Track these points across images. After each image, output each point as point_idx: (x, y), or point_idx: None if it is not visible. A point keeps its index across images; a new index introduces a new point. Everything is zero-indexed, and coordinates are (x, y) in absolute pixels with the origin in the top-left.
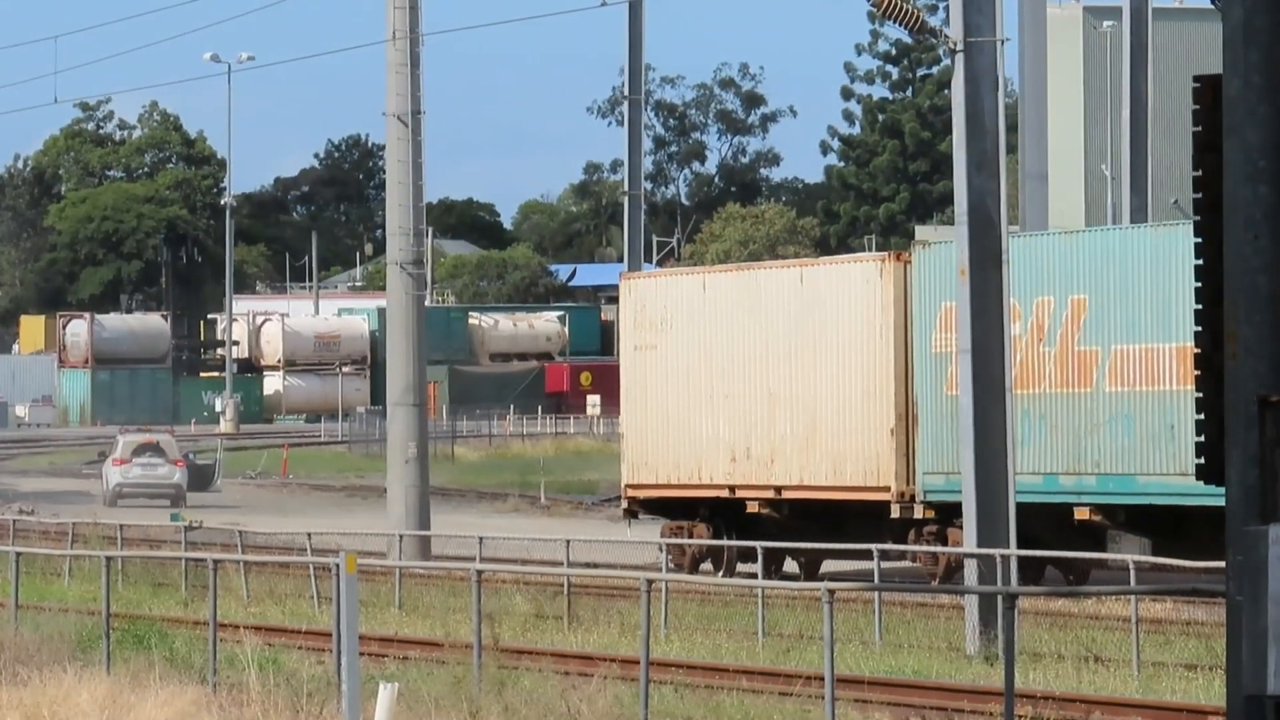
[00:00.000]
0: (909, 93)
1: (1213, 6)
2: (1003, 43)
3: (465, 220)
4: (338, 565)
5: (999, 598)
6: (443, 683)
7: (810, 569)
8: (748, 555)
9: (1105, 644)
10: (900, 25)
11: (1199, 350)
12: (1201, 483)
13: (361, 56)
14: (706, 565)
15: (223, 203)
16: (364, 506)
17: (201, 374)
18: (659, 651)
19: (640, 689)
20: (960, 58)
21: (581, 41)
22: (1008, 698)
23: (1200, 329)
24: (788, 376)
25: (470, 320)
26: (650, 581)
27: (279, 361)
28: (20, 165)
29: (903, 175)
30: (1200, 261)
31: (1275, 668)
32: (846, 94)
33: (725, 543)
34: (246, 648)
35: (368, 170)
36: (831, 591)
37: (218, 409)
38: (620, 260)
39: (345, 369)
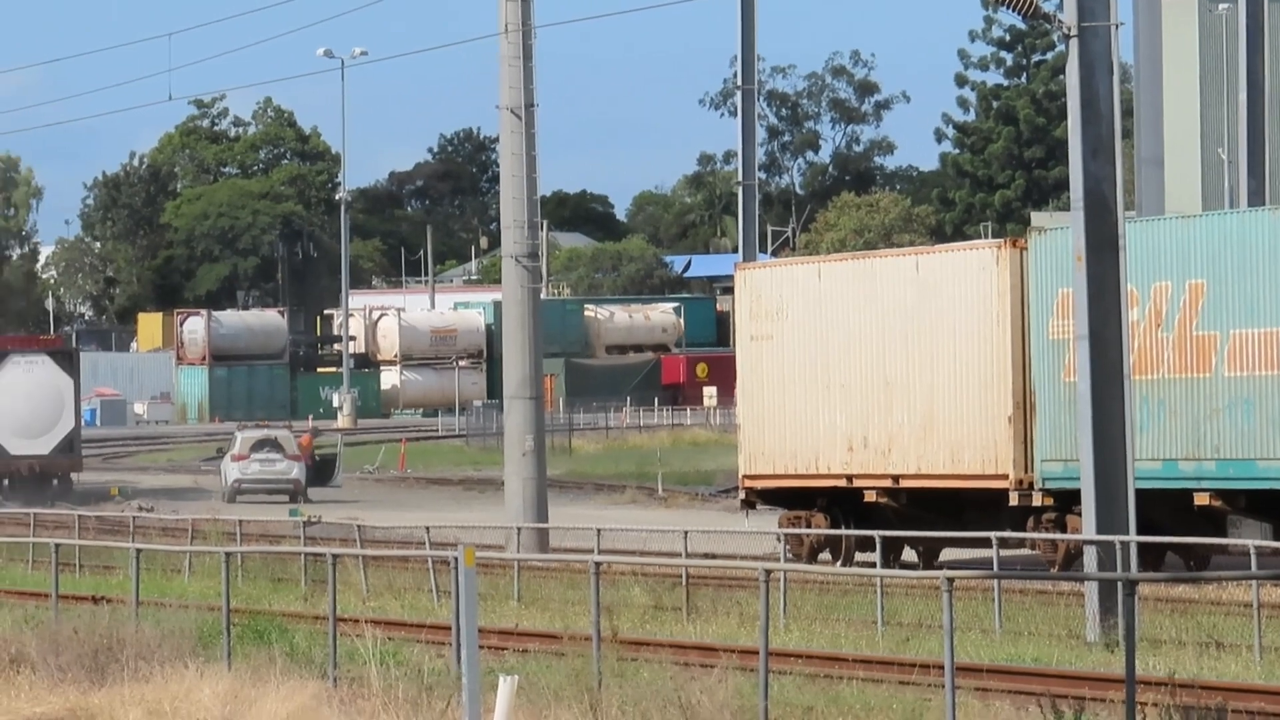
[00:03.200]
0: (1023, 79)
1: None
2: (1117, 27)
3: (580, 212)
4: (456, 559)
5: (1119, 584)
6: (562, 675)
7: (929, 557)
8: (866, 544)
9: (1226, 630)
10: (1014, 11)
11: None
12: None
13: (474, 50)
14: (825, 555)
15: (337, 198)
16: (481, 500)
17: (318, 369)
18: (778, 642)
19: (760, 679)
20: (1075, 43)
21: (693, 33)
22: (1129, 684)
23: None
24: (904, 365)
25: (586, 312)
26: (769, 571)
27: (395, 356)
28: (136, 163)
29: (1018, 162)
30: None
31: None
32: (960, 81)
33: (843, 532)
34: (367, 642)
35: (481, 164)
36: (950, 580)
37: (335, 404)
38: (735, 251)
39: (461, 363)
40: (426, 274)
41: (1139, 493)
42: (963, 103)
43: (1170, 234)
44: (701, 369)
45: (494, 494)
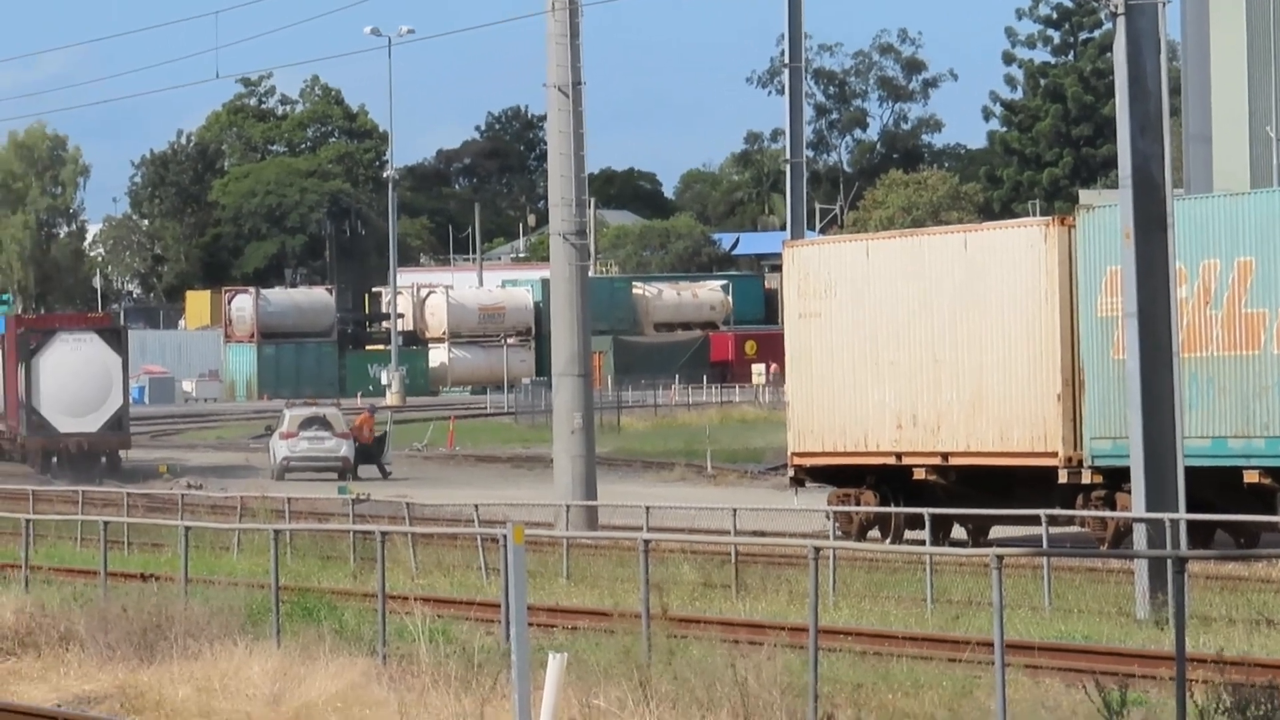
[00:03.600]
0: (1071, 57)
1: None
2: (1165, 4)
3: (627, 190)
4: (505, 536)
5: (1168, 562)
6: (611, 652)
7: (978, 535)
8: (915, 522)
9: (1276, 607)
10: None
11: None
12: None
13: (522, 28)
14: (874, 532)
15: (385, 176)
16: (530, 477)
17: (367, 347)
18: (827, 619)
19: (809, 656)
20: (1122, 20)
21: (740, 11)
22: (1179, 662)
23: None
24: (952, 342)
25: (634, 290)
26: (818, 549)
27: (444, 334)
28: (184, 141)
29: (1066, 139)
30: None
31: None
32: (1008, 59)
33: (892, 509)
34: (416, 619)
35: (529, 141)
36: (1000, 557)
37: (383, 382)
38: (783, 228)
39: (510, 340)
40: (474, 252)
41: (1188, 470)
42: (1010, 80)
43: (1218, 211)
44: (750, 346)
45: (543, 471)
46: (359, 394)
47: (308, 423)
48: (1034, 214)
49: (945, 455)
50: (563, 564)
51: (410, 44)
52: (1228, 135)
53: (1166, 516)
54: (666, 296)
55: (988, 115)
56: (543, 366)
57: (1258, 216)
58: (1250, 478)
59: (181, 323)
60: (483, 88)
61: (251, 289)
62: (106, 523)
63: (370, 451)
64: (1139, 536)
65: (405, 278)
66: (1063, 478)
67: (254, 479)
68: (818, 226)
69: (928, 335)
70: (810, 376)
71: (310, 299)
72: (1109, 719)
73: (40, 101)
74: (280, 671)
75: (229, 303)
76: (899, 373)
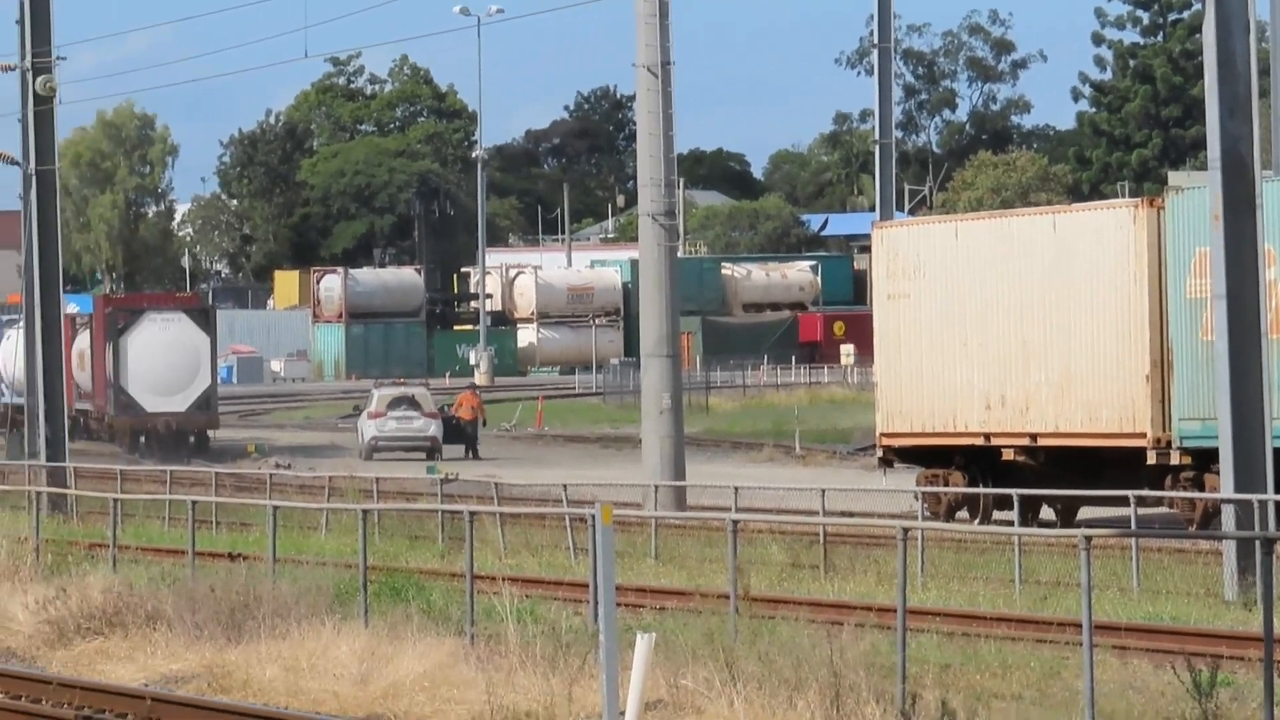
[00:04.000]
0: (1160, 38)
1: None
2: None
3: (716, 171)
4: (593, 516)
5: (1257, 543)
6: (699, 633)
7: (1066, 516)
8: (1003, 503)
9: None
10: None
11: None
12: None
13: (611, 7)
14: (962, 513)
15: (474, 156)
16: (619, 458)
17: (455, 327)
18: (915, 600)
19: (897, 637)
20: (1211, 1)
21: None
22: (1267, 643)
23: None
24: (1041, 323)
25: (723, 271)
26: (906, 530)
27: (532, 314)
28: (272, 121)
29: (1155, 121)
30: None
31: None
32: (1097, 39)
33: (981, 490)
34: (504, 599)
35: (618, 122)
36: (1088, 538)
37: (472, 362)
38: (872, 209)
39: (598, 321)
40: (563, 232)
41: (1277, 451)
42: (1099, 61)
43: None
44: (839, 327)
45: (631, 451)
46: (447, 374)
47: (396, 402)
48: (1123, 195)
49: (1034, 436)
50: (651, 544)
51: (500, 23)
52: None
53: (1255, 497)
54: (755, 277)
55: (1077, 96)
56: (631, 347)
57: None
58: None
59: (270, 302)
60: (572, 67)
61: (340, 269)
62: (194, 502)
63: (466, 431)
64: (1227, 517)
65: (494, 258)
66: (1151, 459)
67: (342, 459)
68: (906, 207)
69: (1016, 316)
70: (899, 357)
71: (399, 279)
72: (1198, 700)
73: (128, 81)
74: (368, 651)
75: (317, 283)
76: (987, 353)
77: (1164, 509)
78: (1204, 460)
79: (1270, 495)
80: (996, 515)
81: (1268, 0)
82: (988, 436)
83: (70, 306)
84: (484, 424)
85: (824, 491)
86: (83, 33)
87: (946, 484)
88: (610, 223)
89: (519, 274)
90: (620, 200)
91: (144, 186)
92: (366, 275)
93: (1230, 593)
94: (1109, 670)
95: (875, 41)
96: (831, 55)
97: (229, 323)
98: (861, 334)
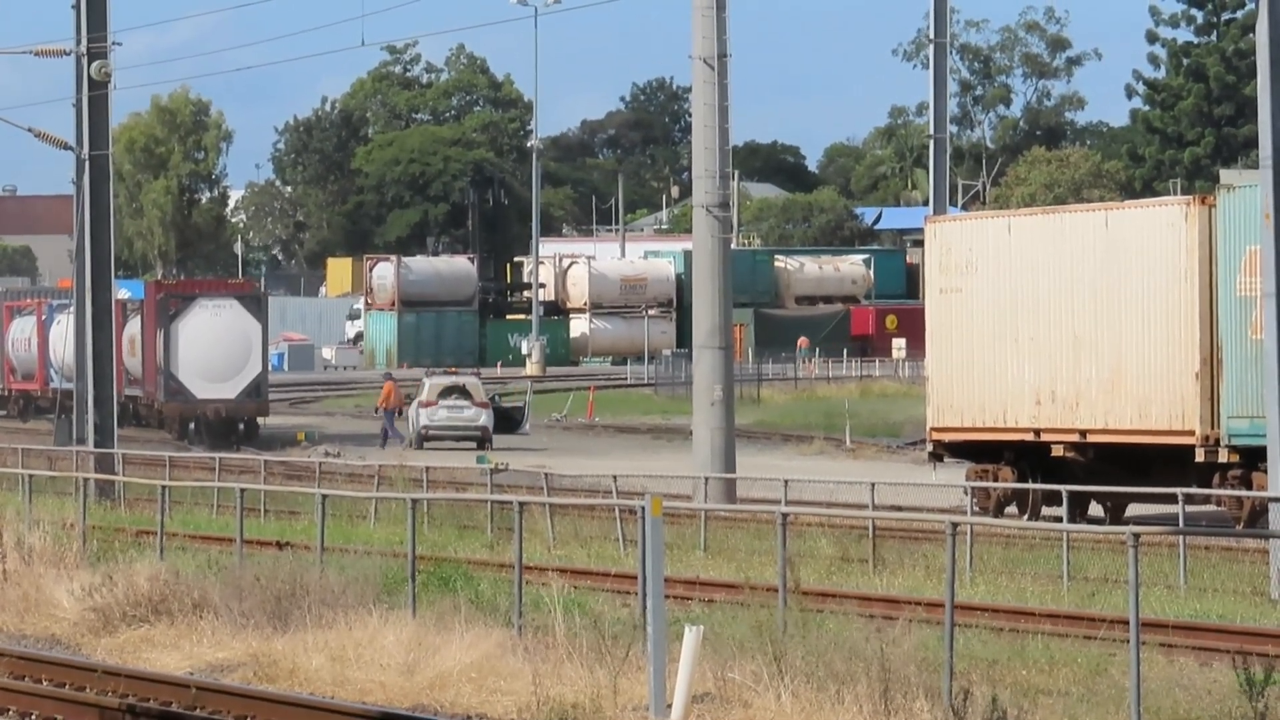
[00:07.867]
0: (1214, 36)
1: None
2: None
3: (771, 163)
4: (643, 508)
5: None
6: (747, 625)
7: (1115, 512)
8: (1052, 499)
9: None
10: None
11: None
12: None
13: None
14: (1011, 508)
15: (529, 145)
16: (669, 449)
17: (508, 316)
18: (964, 595)
19: (945, 632)
20: (1264, 1)
21: None
22: None
23: None
24: (1092, 320)
25: (776, 263)
26: (955, 525)
27: (585, 304)
28: (328, 108)
29: (1207, 119)
30: None
31: None
32: (1151, 38)
33: (1030, 486)
34: (552, 590)
35: (673, 113)
36: (1136, 535)
37: (524, 351)
38: (925, 204)
39: (651, 311)
40: (617, 223)
41: None
42: (1153, 59)
43: None
44: (891, 321)
45: (682, 443)
46: (499, 363)
47: (447, 391)
48: (1175, 193)
49: (1083, 432)
50: (700, 536)
51: (556, 14)
52: None
53: None
54: (808, 270)
55: (1130, 94)
56: (683, 338)
57: None
58: None
59: (322, 290)
60: (627, 59)
61: (393, 257)
62: (243, 490)
63: (511, 416)
64: (1275, 516)
65: (547, 248)
66: (1200, 456)
67: (392, 447)
68: (960, 202)
69: (1068, 312)
70: (950, 351)
71: (452, 268)
72: (1250, 697)
73: (183, 67)
74: (415, 641)
75: (370, 270)
76: (1038, 349)
77: (1212, 507)
78: (1252, 458)
79: None
80: (1045, 511)
81: None
82: (1037, 432)
83: (121, 292)
84: (400, 414)
85: (874, 485)
86: (138, 18)
87: (996, 479)
88: (664, 214)
89: (572, 264)
90: (674, 192)
91: (198, 172)
92: (420, 264)
93: (1276, 591)
94: (1155, 667)
95: (931, 36)
96: (888, 47)
97: (281, 310)
98: (913, 328)
